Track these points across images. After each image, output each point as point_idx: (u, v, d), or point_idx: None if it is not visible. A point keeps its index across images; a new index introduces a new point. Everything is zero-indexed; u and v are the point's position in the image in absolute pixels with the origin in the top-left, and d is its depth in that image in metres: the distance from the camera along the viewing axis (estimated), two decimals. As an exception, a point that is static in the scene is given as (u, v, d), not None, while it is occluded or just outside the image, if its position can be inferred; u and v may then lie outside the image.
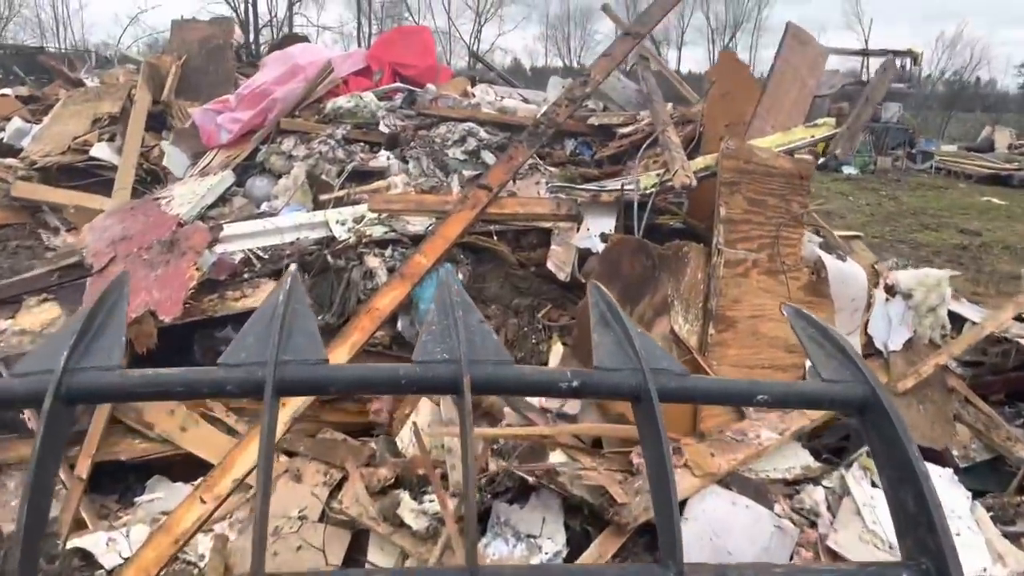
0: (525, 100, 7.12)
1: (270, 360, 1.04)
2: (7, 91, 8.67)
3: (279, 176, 5.41)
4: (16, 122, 6.88)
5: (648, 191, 4.00)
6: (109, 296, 1.09)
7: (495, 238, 4.17)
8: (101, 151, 5.99)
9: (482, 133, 5.63)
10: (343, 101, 6.05)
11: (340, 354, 3.16)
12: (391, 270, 3.90)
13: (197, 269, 3.83)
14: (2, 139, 6.65)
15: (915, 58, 23.73)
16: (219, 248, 4.16)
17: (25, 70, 13.21)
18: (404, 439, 3.18)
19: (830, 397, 1.11)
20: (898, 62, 21.61)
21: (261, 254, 4.23)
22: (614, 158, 5.49)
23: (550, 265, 3.92)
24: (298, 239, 4.37)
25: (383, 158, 5.45)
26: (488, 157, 5.39)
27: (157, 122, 6.58)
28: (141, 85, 6.65)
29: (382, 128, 5.82)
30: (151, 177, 5.90)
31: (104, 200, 5.38)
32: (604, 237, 3.95)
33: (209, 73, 7.43)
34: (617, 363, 1.09)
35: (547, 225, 4.19)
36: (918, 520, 1.06)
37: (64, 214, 5.44)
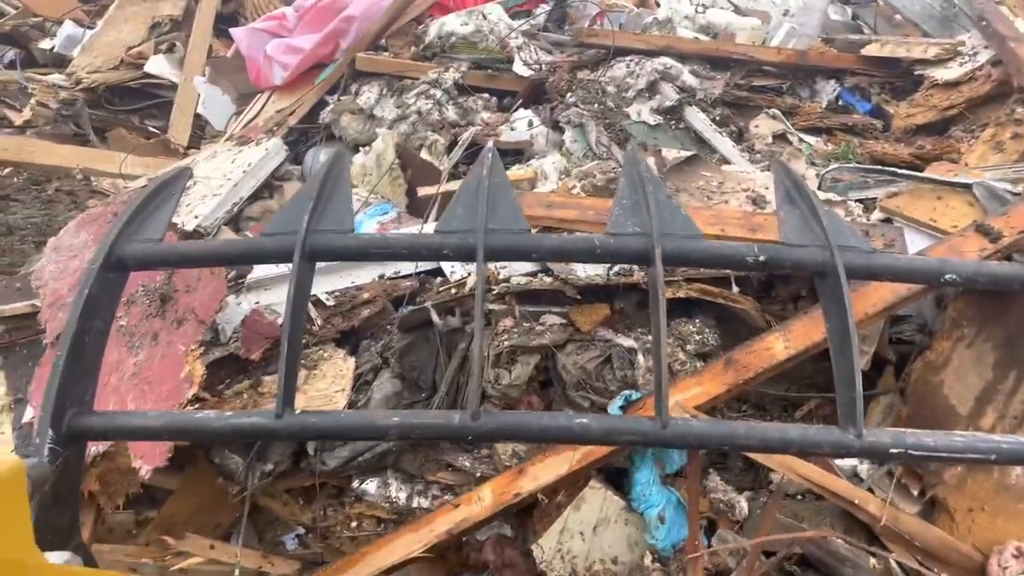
0: (737, 10, 4.59)
1: (479, 228, 1.18)
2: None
3: (355, 148, 3.60)
4: (68, 26, 5.42)
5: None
6: (335, 166, 1.25)
7: (734, 287, 2.42)
8: (157, 65, 4.76)
9: (686, 75, 3.51)
10: (455, 23, 4.02)
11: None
12: (551, 349, 2.29)
13: (200, 355, 2.29)
14: (53, 47, 5.40)
15: None
16: (249, 299, 2.61)
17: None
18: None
19: (1021, 279, 1.14)
20: None
21: (325, 301, 2.64)
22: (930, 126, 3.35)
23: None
24: (383, 276, 2.72)
25: (522, 124, 3.54)
26: (699, 121, 3.34)
27: (233, 26, 5.00)
28: (210, -24, 5.12)
29: (518, 68, 3.86)
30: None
31: (124, 159, 3.89)
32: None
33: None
34: (803, 240, 1.15)
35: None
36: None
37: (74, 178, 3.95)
